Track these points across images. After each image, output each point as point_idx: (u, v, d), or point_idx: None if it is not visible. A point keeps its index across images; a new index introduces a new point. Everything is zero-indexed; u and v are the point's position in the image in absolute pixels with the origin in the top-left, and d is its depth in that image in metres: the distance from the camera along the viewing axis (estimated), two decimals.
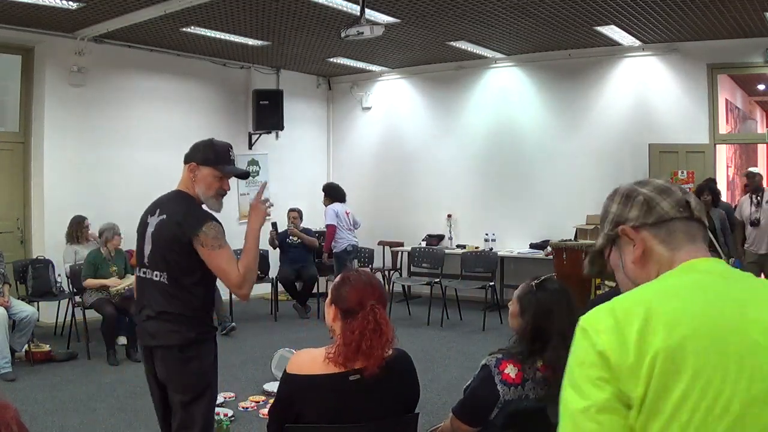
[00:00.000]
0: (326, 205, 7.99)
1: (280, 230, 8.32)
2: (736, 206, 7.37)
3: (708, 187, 6.74)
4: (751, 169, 7.24)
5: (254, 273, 2.64)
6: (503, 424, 2.08)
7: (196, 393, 2.57)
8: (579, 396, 0.99)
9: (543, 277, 2.28)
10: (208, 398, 2.61)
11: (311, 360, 2.00)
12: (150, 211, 2.75)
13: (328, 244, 7.89)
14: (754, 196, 6.92)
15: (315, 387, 1.96)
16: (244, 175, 2.98)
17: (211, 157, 2.72)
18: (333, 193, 8.07)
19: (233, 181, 2.66)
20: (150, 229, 2.67)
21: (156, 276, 2.62)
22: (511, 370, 2.10)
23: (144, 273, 2.68)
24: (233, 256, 2.61)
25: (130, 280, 6.14)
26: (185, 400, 2.56)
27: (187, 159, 2.73)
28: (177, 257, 2.57)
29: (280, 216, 8.74)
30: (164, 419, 2.69)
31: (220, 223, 2.63)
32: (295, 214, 8.29)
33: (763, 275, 6.89)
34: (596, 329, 1.01)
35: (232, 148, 2.85)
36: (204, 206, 2.71)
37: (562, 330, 2.04)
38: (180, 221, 2.59)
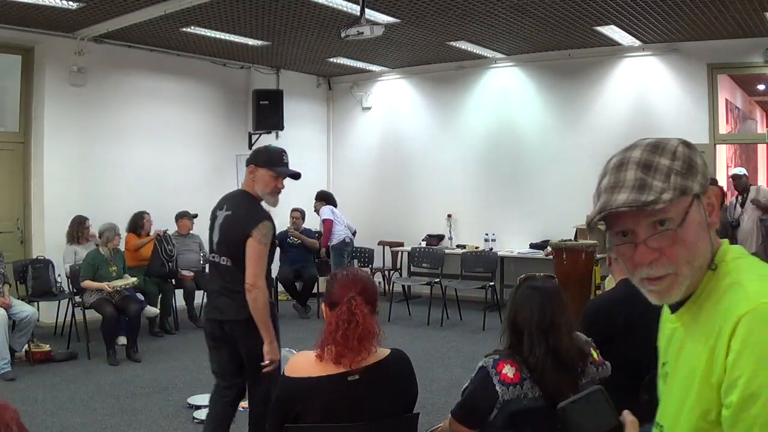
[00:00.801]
0: (317, 209, 8.15)
1: (280, 230, 8.34)
2: (726, 208, 7.39)
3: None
4: (735, 170, 7.31)
5: (259, 306, 3.07)
6: (503, 424, 2.08)
7: (260, 361, 3.09)
8: None
9: (528, 275, 2.32)
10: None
11: (308, 362, 2.01)
12: (219, 206, 3.32)
13: (325, 238, 7.94)
14: (740, 197, 7.00)
15: (313, 388, 1.96)
16: (296, 176, 3.27)
17: (266, 159, 3.19)
18: (327, 198, 8.24)
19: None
20: (219, 221, 3.23)
21: (223, 261, 3.17)
22: (508, 370, 2.10)
23: (213, 257, 3.25)
24: (266, 259, 3.10)
25: (129, 279, 6.15)
26: (256, 360, 3.08)
27: (248, 162, 3.24)
28: (239, 247, 3.06)
29: (281, 216, 8.76)
30: (225, 377, 3.40)
31: (273, 225, 3.14)
32: (298, 215, 8.30)
33: None
34: None
35: (285, 152, 3.28)
36: (263, 203, 3.20)
37: (537, 326, 2.10)
38: (242, 216, 3.12)
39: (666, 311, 1.16)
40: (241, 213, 3.14)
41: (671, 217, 1.01)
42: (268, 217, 3.12)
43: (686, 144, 1.07)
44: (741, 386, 0.92)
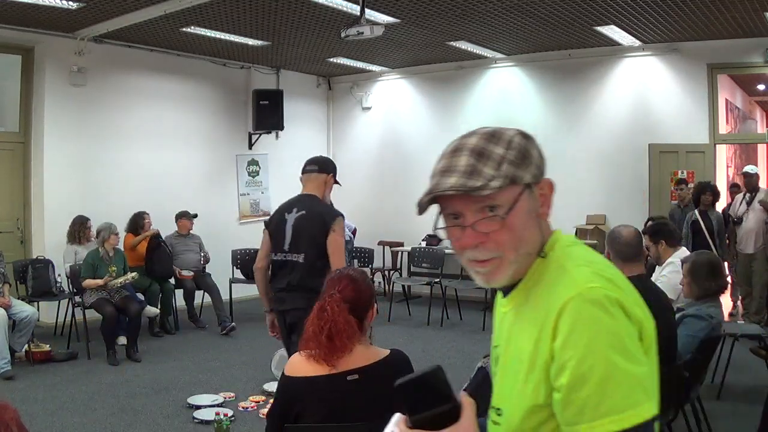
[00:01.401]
0: None
1: None
2: (730, 204, 7.40)
3: (710, 187, 6.74)
4: (747, 168, 7.21)
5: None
6: None
7: None
8: (637, 364, 0.94)
9: None
10: None
11: (307, 362, 2.00)
12: (286, 209, 3.61)
13: None
14: (748, 195, 6.95)
15: (313, 388, 1.97)
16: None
17: (335, 169, 3.73)
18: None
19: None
20: (290, 223, 3.53)
21: (295, 257, 3.47)
22: None
23: (284, 256, 3.52)
24: (344, 250, 3.49)
25: (129, 275, 6.15)
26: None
27: (327, 170, 3.68)
28: (317, 241, 3.42)
29: None
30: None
31: (344, 219, 3.57)
32: None
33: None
34: (628, 302, 0.99)
35: None
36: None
37: None
38: (320, 213, 3.50)
39: (499, 295, 1.19)
40: (318, 211, 3.52)
41: (500, 204, 1.03)
42: (341, 214, 3.57)
43: (524, 135, 1.10)
44: (571, 368, 0.94)
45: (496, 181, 1.01)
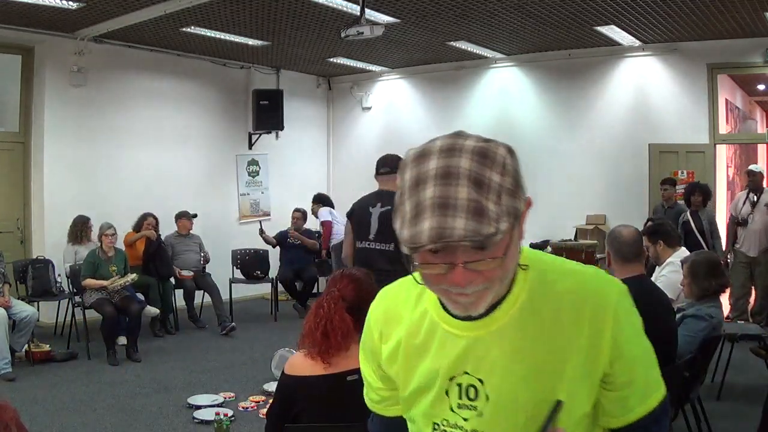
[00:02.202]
0: (315, 211, 8.19)
1: (280, 230, 8.34)
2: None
3: (699, 188, 6.68)
4: (752, 167, 7.04)
5: None
6: None
7: None
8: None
9: None
10: None
11: (307, 362, 2.00)
12: (369, 203, 4.04)
13: (326, 240, 7.94)
14: (751, 194, 6.74)
15: (312, 388, 1.97)
16: None
17: None
18: (324, 201, 8.28)
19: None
20: (374, 215, 3.94)
21: (383, 246, 3.87)
22: None
23: (369, 245, 3.93)
24: None
25: (129, 277, 6.15)
26: None
27: (392, 171, 3.90)
28: None
29: (283, 216, 8.75)
30: None
31: None
32: (299, 215, 8.29)
33: (752, 278, 6.72)
34: None
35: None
36: None
37: None
38: None
39: (448, 321, 1.07)
40: None
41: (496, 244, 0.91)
42: None
43: (510, 151, 0.95)
44: (628, 360, 1.04)
45: (504, 223, 0.90)
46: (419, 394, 1.12)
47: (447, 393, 1.08)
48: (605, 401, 1.06)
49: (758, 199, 6.67)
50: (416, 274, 0.99)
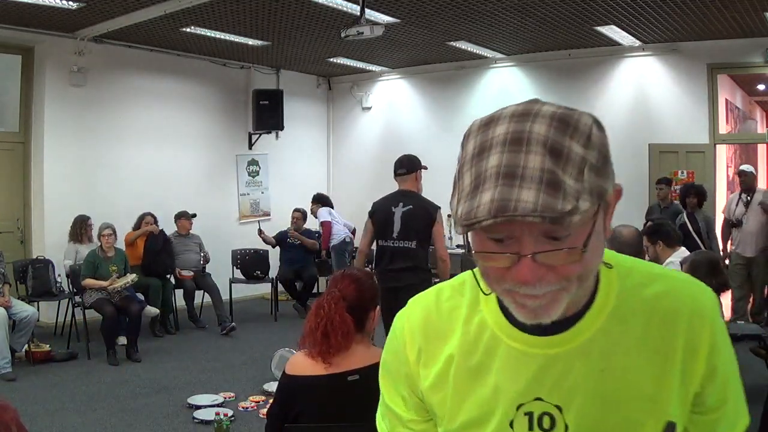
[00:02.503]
0: (314, 211, 8.20)
1: (280, 229, 8.33)
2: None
3: (694, 189, 6.64)
4: (743, 167, 7.00)
5: (447, 270, 4.16)
6: None
7: None
8: None
9: None
10: None
11: (307, 361, 2.00)
12: (392, 203, 4.28)
13: (325, 240, 7.95)
14: (744, 195, 6.69)
15: (313, 387, 1.97)
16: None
17: (420, 163, 4.43)
18: (323, 201, 8.27)
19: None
20: (397, 215, 4.19)
21: (405, 244, 4.17)
22: None
23: (392, 243, 4.21)
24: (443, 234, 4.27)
25: (127, 278, 6.14)
26: None
27: (414, 169, 4.34)
28: (425, 230, 4.18)
29: (283, 216, 8.75)
30: None
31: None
32: (299, 215, 8.29)
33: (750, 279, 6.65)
34: None
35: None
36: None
37: None
38: (425, 207, 4.23)
39: (518, 340, 0.88)
40: (423, 206, 4.26)
41: (573, 232, 0.75)
42: (440, 207, 4.21)
43: (598, 123, 0.79)
44: (724, 379, 0.90)
45: (585, 201, 0.72)
46: (472, 427, 0.91)
47: (512, 425, 0.88)
48: (692, 427, 0.90)
49: (751, 199, 6.62)
50: (475, 271, 0.82)
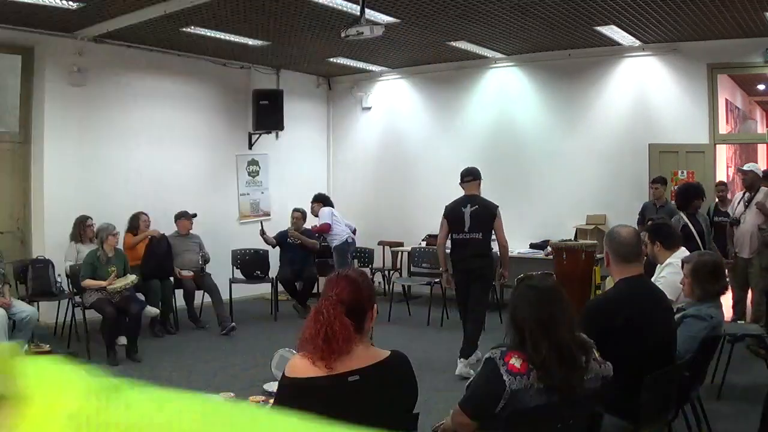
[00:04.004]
0: (315, 211, 8.18)
1: (280, 230, 8.33)
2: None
3: (700, 191, 6.40)
4: (746, 166, 6.86)
5: (508, 253, 5.78)
6: (508, 420, 2.08)
7: (489, 286, 6.00)
8: None
9: (526, 274, 2.38)
10: (490, 288, 6.23)
11: (307, 363, 2.00)
12: (462, 204, 5.56)
13: (319, 230, 7.96)
14: (746, 194, 6.52)
15: (313, 389, 1.96)
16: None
17: (481, 175, 5.77)
18: (324, 200, 8.25)
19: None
20: (467, 213, 5.47)
21: (475, 235, 5.46)
22: (515, 361, 2.13)
23: (465, 235, 5.49)
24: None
25: (128, 279, 6.14)
26: (485, 291, 5.77)
27: (479, 178, 5.70)
28: (489, 225, 5.49)
29: (283, 216, 8.75)
30: (465, 304, 5.58)
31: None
32: (299, 215, 8.28)
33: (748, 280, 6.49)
34: None
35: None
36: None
37: (536, 323, 2.15)
38: (489, 207, 5.54)
39: None
40: (486, 206, 5.54)
41: None
42: (498, 205, 5.60)
43: None
44: None
45: None
46: None
47: None
48: None
49: (752, 198, 6.47)
50: None
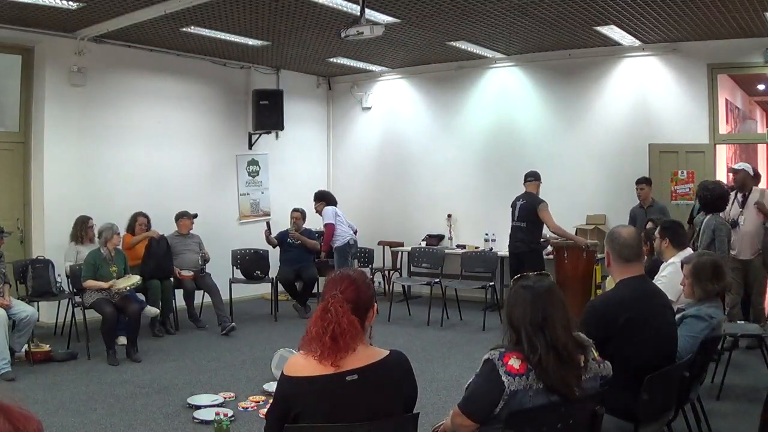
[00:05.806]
0: (319, 210, 8.12)
1: (280, 230, 8.33)
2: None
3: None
4: (736, 165, 6.62)
5: (559, 232, 7.17)
6: (508, 420, 2.08)
7: (541, 267, 6.44)
8: None
9: (522, 275, 2.38)
10: (542, 266, 6.65)
11: (307, 362, 2.00)
12: (518, 200, 7.12)
13: (326, 242, 7.93)
14: (739, 194, 6.25)
15: (312, 388, 1.96)
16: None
17: (540, 177, 7.26)
18: (327, 198, 8.20)
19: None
20: (518, 206, 7.07)
21: (520, 224, 7.00)
22: (514, 362, 2.13)
23: (515, 223, 7.06)
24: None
25: (131, 280, 6.14)
26: (537, 265, 6.34)
27: (539, 179, 7.19)
28: (531, 215, 6.95)
29: (283, 216, 8.75)
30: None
31: (546, 204, 7.01)
32: (298, 215, 8.27)
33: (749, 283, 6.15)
34: None
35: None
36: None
37: (531, 323, 2.16)
38: (533, 201, 6.99)
39: None
40: (531, 200, 7.00)
41: None
42: (544, 201, 7.01)
43: None
44: None
45: None
46: None
47: None
48: None
49: (746, 198, 6.23)
50: None
